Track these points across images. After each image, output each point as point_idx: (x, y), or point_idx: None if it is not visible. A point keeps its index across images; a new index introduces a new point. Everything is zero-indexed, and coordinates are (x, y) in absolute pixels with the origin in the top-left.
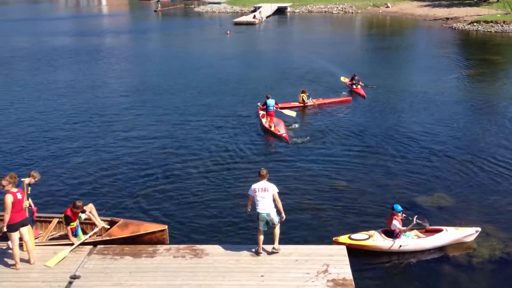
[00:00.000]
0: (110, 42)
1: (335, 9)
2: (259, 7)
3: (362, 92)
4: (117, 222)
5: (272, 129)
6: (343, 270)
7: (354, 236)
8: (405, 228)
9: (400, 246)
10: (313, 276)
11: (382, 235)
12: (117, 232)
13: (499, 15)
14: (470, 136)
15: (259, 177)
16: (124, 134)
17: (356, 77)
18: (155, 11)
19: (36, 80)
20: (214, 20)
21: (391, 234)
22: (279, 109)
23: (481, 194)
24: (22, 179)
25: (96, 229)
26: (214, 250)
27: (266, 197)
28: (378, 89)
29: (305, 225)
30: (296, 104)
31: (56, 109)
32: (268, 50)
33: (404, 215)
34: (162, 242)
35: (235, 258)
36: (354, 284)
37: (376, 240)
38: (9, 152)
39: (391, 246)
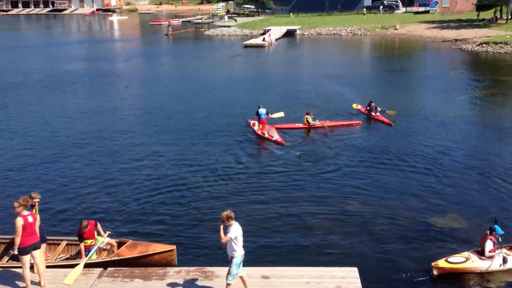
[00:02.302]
0: (122, 66)
1: (343, 31)
2: (268, 30)
3: (385, 119)
4: (125, 243)
5: (266, 135)
6: None
7: (451, 259)
8: (494, 248)
9: (500, 265)
10: None
11: (477, 256)
12: (126, 253)
13: (508, 36)
14: (483, 156)
15: (231, 220)
16: (132, 156)
17: (373, 104)
18: (166, 34)
19: (48, 104)
20: (224, 43)
21: (483, 254)
22: (269, 116)
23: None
24: (33, 201)
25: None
26: (224, 272)
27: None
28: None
29: (314, 246)
30: (301, 125)
31: (67, 132)
32: (278, 73)
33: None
34: (170, 263)
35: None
36: None
37: (475, 261)
38: (18, 173)
39: (490, 266)
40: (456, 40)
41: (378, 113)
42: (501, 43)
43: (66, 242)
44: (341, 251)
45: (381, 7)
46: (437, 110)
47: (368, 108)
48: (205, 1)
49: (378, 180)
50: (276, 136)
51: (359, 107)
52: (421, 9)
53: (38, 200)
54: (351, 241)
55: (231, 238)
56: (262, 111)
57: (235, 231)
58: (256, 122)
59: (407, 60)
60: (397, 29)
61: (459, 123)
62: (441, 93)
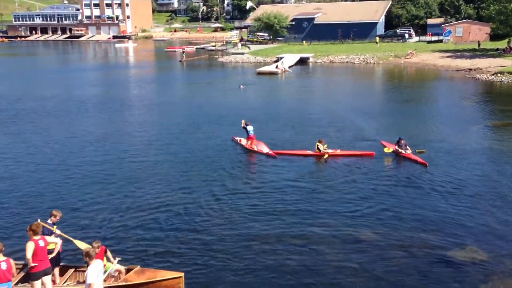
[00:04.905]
0: (135, 92)
1: (356, 60)
2: (281, 57)
3: (418, 158)
4: (133, 269)
5: (256, 149)
6: None
7: None
8: None
9: None
10: None
11: None
12: (133, 278)
13: None
14: (504, 189)
15: (89, 259)
16: (140, 183)
17: (403, 141)
18: (180, 61)
19: (59, 129)
20: (237, 70)
21: None
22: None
23: None
24: (43, 224)
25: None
26: None
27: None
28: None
29: (323, 277)
30: (311, 152)
31: (76, 158)
32: (291, 100)
33: None
34: None
35: None
36: None
37: None
38: (30, 198)
39: None
40: (470, 69)
41: (408, 152)
42: None
43: (74, 268)
44: (354, 285)
45: (407, 35)
46: (455, 141)
47: (397, 145)
48: (219, 29)
49: (392, 210)
50: (266, 149)
51: (390, 150)
52: (434, 38)
53: (59, 217)
54: (364, 274)
55: (89, 284)
56: (250, 127)
57: (92, 274)
58: (243, 138)
59: (421, 89)
60: (411, 55)
61: (477, 154)
62: (458, 124)
